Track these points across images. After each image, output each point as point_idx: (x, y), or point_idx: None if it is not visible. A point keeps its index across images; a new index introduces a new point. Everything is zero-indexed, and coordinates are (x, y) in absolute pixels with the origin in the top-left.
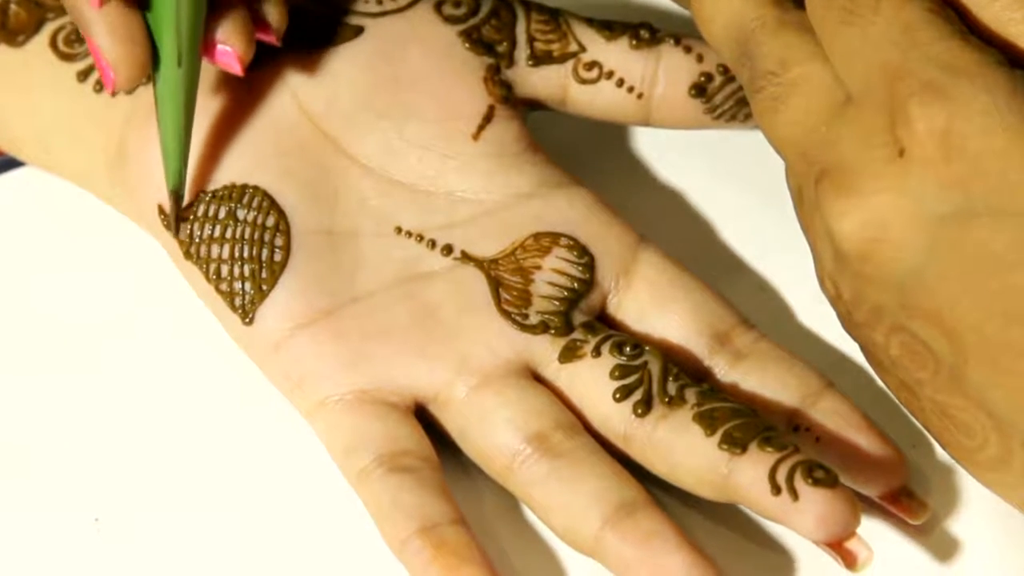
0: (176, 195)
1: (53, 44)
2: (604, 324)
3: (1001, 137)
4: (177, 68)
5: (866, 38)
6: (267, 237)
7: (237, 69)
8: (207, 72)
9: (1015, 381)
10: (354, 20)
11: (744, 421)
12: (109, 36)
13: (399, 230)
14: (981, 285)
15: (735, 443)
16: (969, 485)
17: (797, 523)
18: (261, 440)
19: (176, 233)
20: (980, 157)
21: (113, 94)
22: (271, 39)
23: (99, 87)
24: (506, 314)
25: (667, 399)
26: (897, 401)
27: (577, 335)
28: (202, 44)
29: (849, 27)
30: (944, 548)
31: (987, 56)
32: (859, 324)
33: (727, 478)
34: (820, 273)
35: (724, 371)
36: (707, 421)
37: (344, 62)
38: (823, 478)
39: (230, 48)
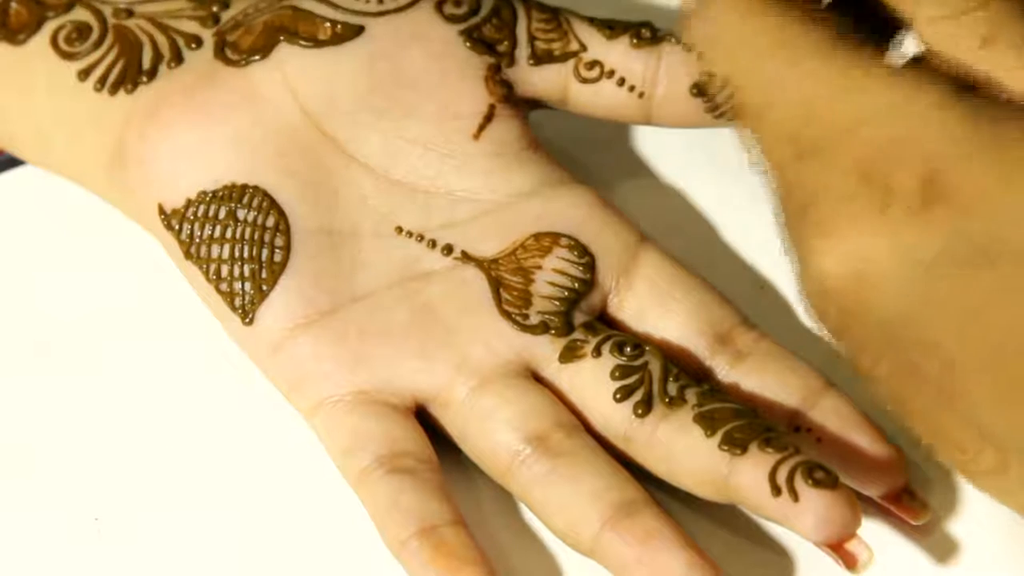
0: None
1: (54, 43)
2: (605, 324)
3: (982, 176)
4: None
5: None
6: (267, 237)
7: None
8: (203, 74)
9: (1009, 409)
10: (354, 19)
11: (745, 422)
12: None
13: (399, 230)
14: (971, 322)
15: (735, 444)
16: (970, 485)
17: (797, 524)
18: (261, 440)
19: None
20: (964, 204)
21: None
22: None
23: (99, 86)
24: (506, 314)
25: (668, 399)
26: None
27: (577, 335)
28: None
29: (792, 68)
30: (945, 549)
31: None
32: (845, 346)
33: (727, 479)
34: (804, 299)
35: (725, 371)
36: (707, 422)
37: (344, 61)
38: (823, 479)
39: None
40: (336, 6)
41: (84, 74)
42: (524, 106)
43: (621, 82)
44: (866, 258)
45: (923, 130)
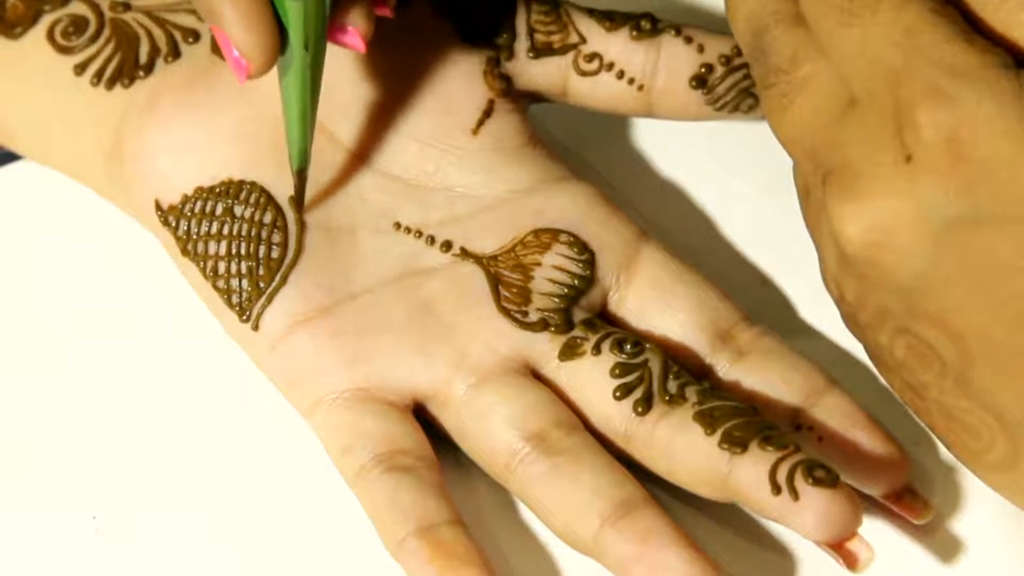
0: (301, 175)
1: (50, 37)
2: (605, 321)
3: (1007, 143)
4: (305, 52)
5: (866, 40)
6: (264, 234)
7: (360, 47)
8: (200, 69)
9: (1020, 384)
10: None
11: (745, 420)
12: (241, 25)
13: (398, 226)
14: (987, 290)
15: (735, 442)
16: (973, 484)
17: (797, 523)
18: (259, 439)
19: (299, 210)
20: (986, 163)
21: (247, 79)
22: (386, 12)
23: (96, 81)
24: (505, 311)
25: (667, 397)
26: (901, 401)
27: (577, 332)
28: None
29: (848, 28)
30: (947, 548)
31: (993, 58)
32: (863, 326)
33: (727, 477)
34: (824, 274)
35: (726, 369)
36: (707, 420)
37: (342, 56)
38: (824, 477)
39: (354, 28)
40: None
41: (81, 68)
42: (523, 100)
43: (620, 75)
44: (887, 220)
45: (963, 89)
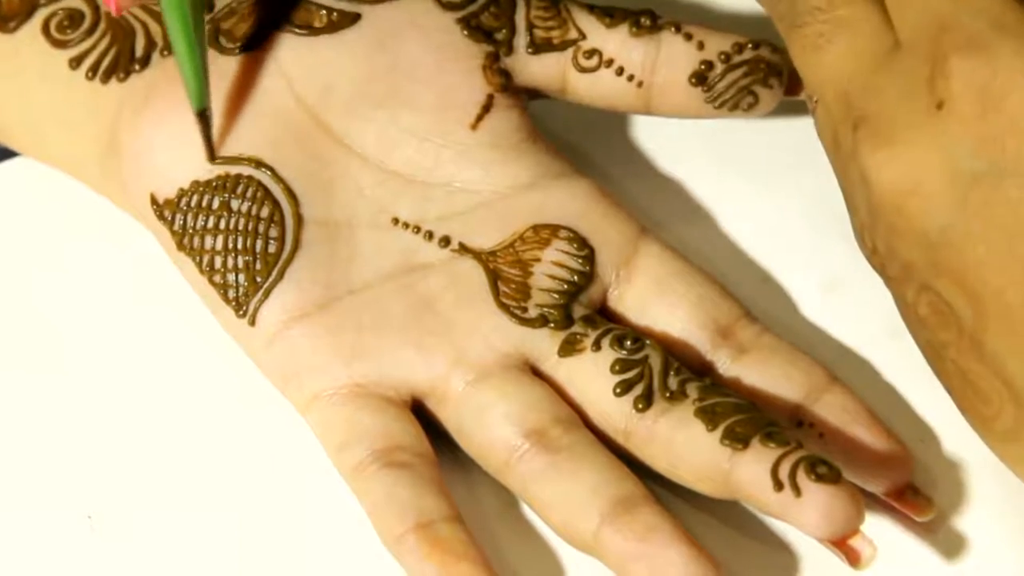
0: (203, 116)
1: (45, 31)
2: (605, 317)
3: None
4: None
5: None
6: (261, 228)
7: None
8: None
9: None
10: (351, 7)
11: (746, 416)
12: None
13: (396, 221)
14: (1006, 249)
15: (737, 438)
16: (976, 482)
17: (799, 520)
18: (256, 435)
19: (211, 158)
20: (1015, 118)
21: (117, 14)
22: None
23: (91, 75)
24: (505, 307)
25: (668, 394)
26: (924, 360)
27: (577, 329)
28: None
29: None
30: (950, 546)
31: None
32: (893, 279)
33: (728, 474)
34: (855, 226)
35: (726, 365)
36: (708, 416)
37: (341, 50)
38: (826, 474)
39: None
40: None
41: (76, 62)
42: (523, 96)
43: (620, 71)
44: (918, 168)
45: (1003, 42)
